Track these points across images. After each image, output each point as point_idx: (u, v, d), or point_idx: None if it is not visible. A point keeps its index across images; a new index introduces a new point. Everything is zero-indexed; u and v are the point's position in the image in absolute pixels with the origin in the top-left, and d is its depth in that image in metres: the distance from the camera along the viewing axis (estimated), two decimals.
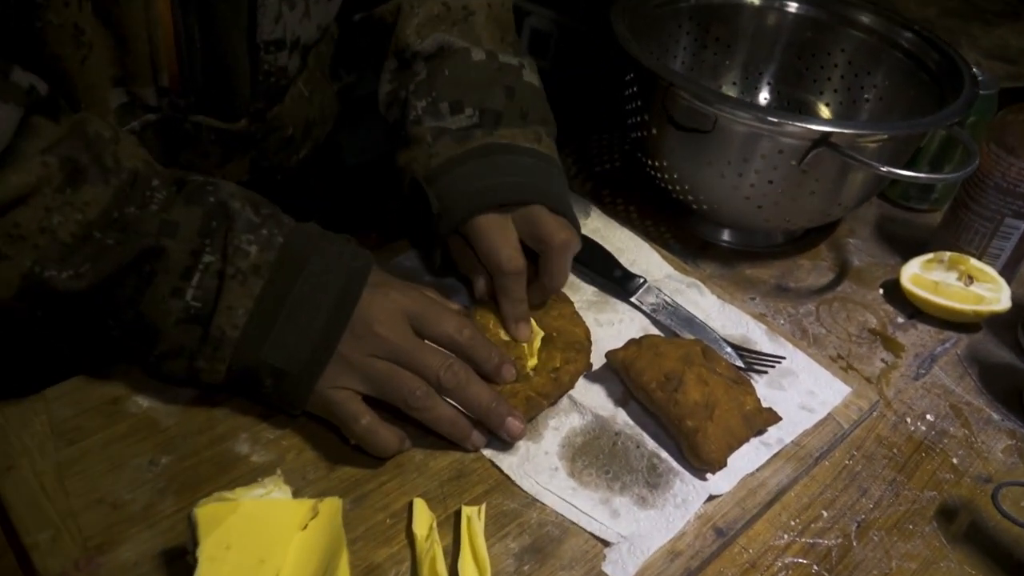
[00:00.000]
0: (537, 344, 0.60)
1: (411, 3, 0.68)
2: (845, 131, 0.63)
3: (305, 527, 0.45)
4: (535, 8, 1.80)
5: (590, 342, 0.61)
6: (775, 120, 0.64)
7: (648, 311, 0.67)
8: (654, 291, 0.68)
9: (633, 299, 0.68)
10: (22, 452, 0.53)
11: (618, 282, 0.68)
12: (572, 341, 0.60)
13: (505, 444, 0.56)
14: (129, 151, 0.53)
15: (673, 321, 0.66)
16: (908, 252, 0.78)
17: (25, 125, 0.49)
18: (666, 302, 0.67)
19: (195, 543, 0.43)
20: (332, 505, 0.46)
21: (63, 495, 0.51)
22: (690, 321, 0.66)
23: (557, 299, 0.63)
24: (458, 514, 0.51)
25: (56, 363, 0.58)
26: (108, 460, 0.53)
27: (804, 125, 0.64)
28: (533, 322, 0.61)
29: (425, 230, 0.63)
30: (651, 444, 0.57)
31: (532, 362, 0.59)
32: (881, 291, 0.77)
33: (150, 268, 0.51)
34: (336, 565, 0.43)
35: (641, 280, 0.69)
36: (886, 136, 0.67)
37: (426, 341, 0.55)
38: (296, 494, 0.50)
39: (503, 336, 0.60)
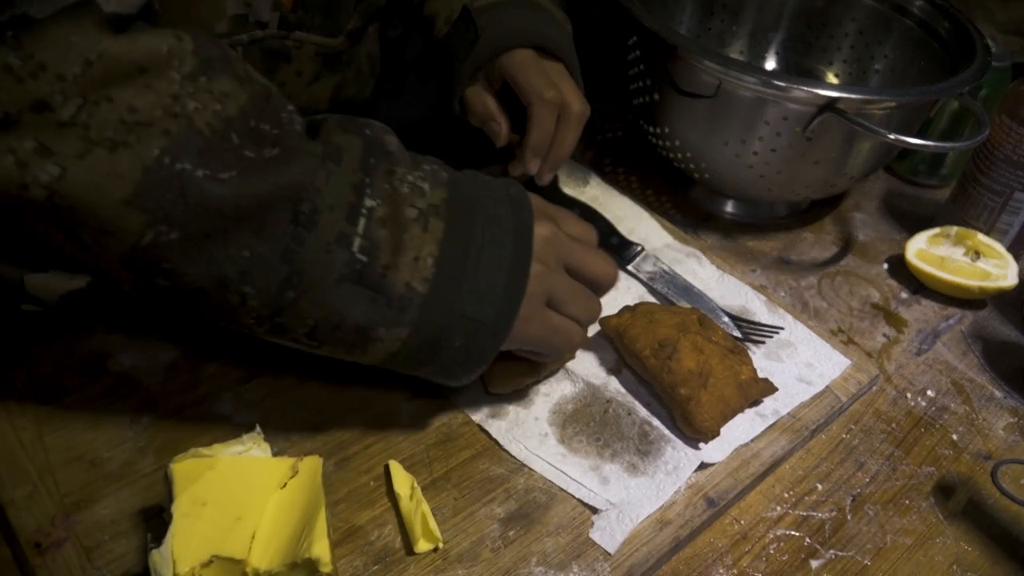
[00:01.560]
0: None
1: None
2: (852, 96, 0.62)
3: (284, 486, 0.44)
4: None
5: None
6: (780, 84, 0.63)
7: (645, 279, 0.66)
8: (651, 259, 0.67)
9: (630, 267, 0.66)
10: (1, 407, 0.52)
11: (614, 249, 0.67)
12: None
13: (494, 409, 0.55)
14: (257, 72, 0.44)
15: (670, 290, 0.65)
16: (914, 228, 0.76)
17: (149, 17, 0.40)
18: (663, 270, 0.66)
19: (170, 499, 0.42)
20: (312, 464, 0.45)
21: (42, 451, 0.50)
22: (687, 289, 0.64)
23: None
24: (441, 478, 0.50)
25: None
26: (88, 418, 0.52)
27: (810, 90, 0.62)
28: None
29: (451, 67, 0.65)
30: (643, 412, 0.55)
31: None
32: (886, 266, 0.75)
33: (311, 205, 0.42)
34: (314, 525, 0.42)
35: (638, 248, 0.67)
36: (894, 103, 0.65)
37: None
38: (279, 455, 0.49)
39: None
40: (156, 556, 0.40)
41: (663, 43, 0.67)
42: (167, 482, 0.43)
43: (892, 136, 0.61)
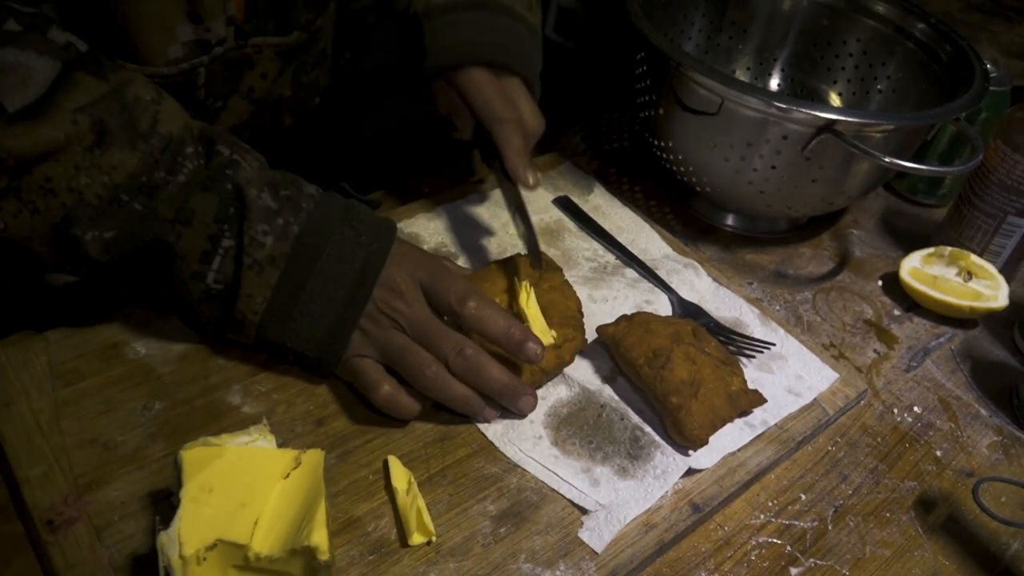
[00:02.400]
0: (537, 313, 0.60)
1: None
2: (849, 119, 0.63)
3: (287, 476, 0.46)
4: None
5: (582, 314, 0.61)
6: (780, 105, 0.64)
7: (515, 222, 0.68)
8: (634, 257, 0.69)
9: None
10: (20, 390, 0.54)
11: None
12: (567, 316, 0.60)
13: None
14: (170, 114, 0.54)
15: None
16: (911, 246, 0.78)
17: (67, 80, 0.50)
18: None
19: (179, 484, 0.44)
20: (314, 457, 0.47)
21: (57, 433, 0.52)
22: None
23: (548, 268, 0.64)
24: (437, 475, 0.53)
25: (55, 305, 0.60)
26: (103, 403, 0.54)
27: (809, 111, 0.64)
28: (531, 292, 0.61)
29: (415, 68, 0.68)
30: (635, 418, 0.57)
31: (549, 339, 0.58)
32: (880, 283, 0.77)
33: (169, 252, 0.53)
34: (314, 514, 0.44)
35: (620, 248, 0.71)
36: (892, 127, 0.67)
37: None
38: (283, 446, 0.51)
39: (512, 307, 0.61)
40: (164, 538, 0.42)
41: (668, 60, 0.69)
42: (176, 468, 0.45)
43: (887, 159, 0.63)
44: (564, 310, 0.61)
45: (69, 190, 0.50)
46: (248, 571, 0.44)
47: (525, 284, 0.60)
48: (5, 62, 0.48)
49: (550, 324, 0.60)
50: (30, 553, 0.49)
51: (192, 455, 0.45)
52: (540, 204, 0.76)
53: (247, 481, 0.45)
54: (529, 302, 0.60)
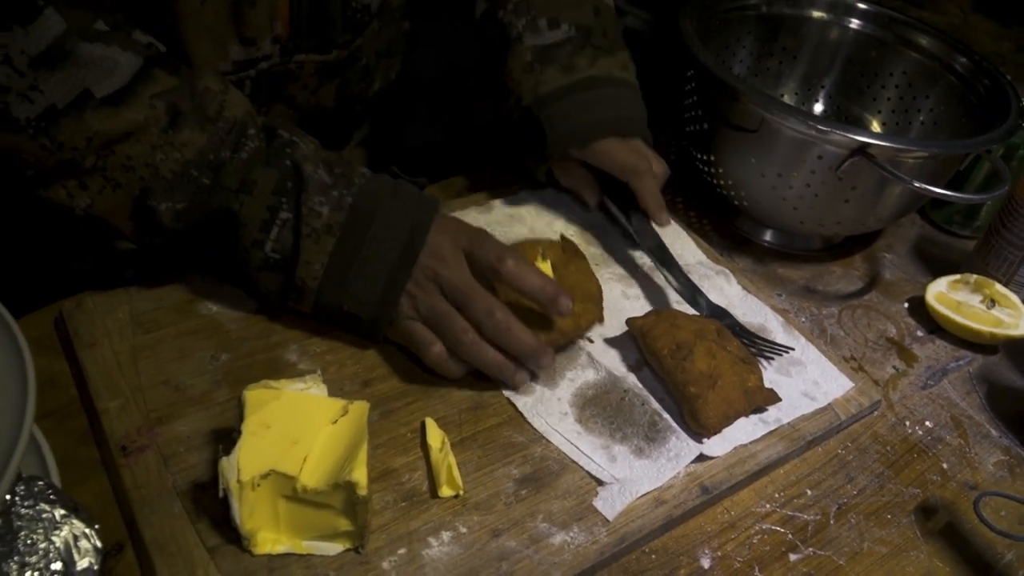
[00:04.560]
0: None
1: None
2: (882, 143, 0.67)
3: (335, 422, 0.52)
4: (632, 9, 1.84)
5: (602, 296, 0.66)
6: (817, 126, 0.68)
7: (656, 260, 0.72)
8: (669, 261, 0.73)
9: (642, 250, 0.74)
10: (104, 333, 0.61)
11: (630, 222, 0.74)
12: (588, 294, 0.65)
13: (524, 386, 0.62)
14: (235, 101, 0.60)
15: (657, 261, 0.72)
16: (941, 273, 0.80)
17: (146, 74, 0.57)
18: (659, 245, 0.73)
19: (241, 419, 0.50)
20: (360, 408, 0.53)
21: (135, 373, 0.59)
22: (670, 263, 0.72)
23: (574, 255, 0.69)
24: (468, 438, 0.58)
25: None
26: (177, 350, 0.61)
27: (843, 133, 0.68)
28: (550, 269, 0.66)
29: (527, 147, 0.74)
30: (655, 405, 0.62)
31: None
32: (906, 305, 0.80)
33: (233, 220, 0.59)
34: (355, 458, 0.49)
35: (657, 249, 0.73)
36: (925, 154, 0.70)
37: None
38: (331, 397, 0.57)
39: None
40: (225, 463, 0.48)
41: (715, 79, 0.73)
42: (239, 405, 0.51)
43: (917, 184, 0.67)
44: (586, 290, 0.66)
45: (146, 166, 0.57)
46: (295, 501, 0.49)
47: (548, 262, 0.66)
48: (94, 55, 0.55)
49: (574, 298, 0.63)
50: (103, 475, 0.55)
51: (254, 395, 0.51)
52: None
53: (300, 422, 0.51)
54: (549, 272, 0.65)
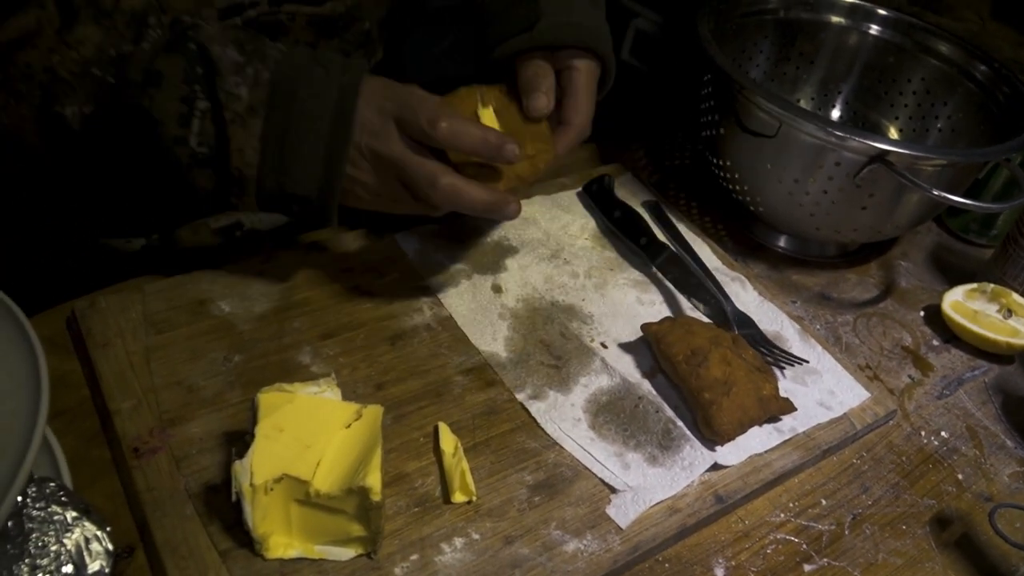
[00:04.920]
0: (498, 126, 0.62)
1: None
2: (901, 151, 0.66)
3: (348, 426, 0.52)
4: (643, 10, 1.84)
5: (551, 132, 0.65)
6: (836, 132, 0.68)
7: (669, 280, 0.72)
8: (679, 262, 0.73)
9: (655, 268, 0.73)
10: (117, 333, 0.61)
11: (643, 248, 0.74)
12: (537, 132, 0.63)
13: (537, 391, 0.61)
14: None
15: (693, 295, 0.71)
16: (957, 282, 0.80)
17: None
18: (690, 274, 0.72)
19: (254, 422, 0.50)
20: (374, 412, 0.52)
21: (147, 374, 0.59)
22: (699, 286, 0.71)
23: (516, 97, 0.65)
24: (482, 444, 0.57)
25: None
26: (190, 351, 0.61)
27: (863, 140, 0.67)
28: (492, 114, 0.63)
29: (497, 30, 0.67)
30: (669, 412, 0.61)
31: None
32: (922, 313, 0.79)
33: (147, 119, 0.55)
34: (368, 462, 0.49)
35: (667, 250, 0.73)
36: (944, 162, 0.69)
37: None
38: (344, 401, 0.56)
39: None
40: (238, 467, 0.48)
41: (733, 82, 0.73)
42: (253, 408, 0.51)
43: (936, 192, 0.66)
44: (535, 130, 0.63)
45: (45, 71, 0.54)
46: (308, 506, 0.49)
47: (489, 108, 0.63)
48: None
49: (523, 140, 0.61)
50: (114, 477, 0.55)
51: (268, 398, 0.51)
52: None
53: (313, 426, 0.50)
54: (492, 121, 0.62)
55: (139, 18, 0.56)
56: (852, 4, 0.88)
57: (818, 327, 0.75)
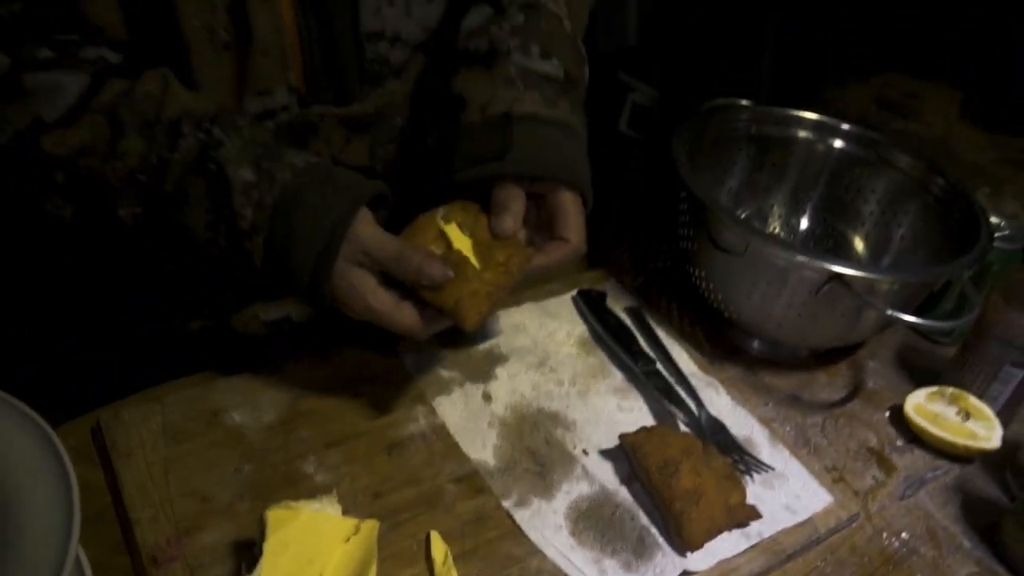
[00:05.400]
0: (468, 248, 0.67)
1: None
2: (852, 272, 0.73)
3: (347, 540, 0.57)
4: (639, 85, 1.93)
5: (522, 240, 0.69)
6: (795, 256, 0.74)
7: (652, 386, 0.78)
8: (658, 371, 0.79)
9: (637, 372, 0.79)
10: (139, 444, 0.67)
11: (627, 356, 0.80)
12: (508, 242, 0.68)
13: (522, 498, 0.67)
14: (172, 101, 0.64)
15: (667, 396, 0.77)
16: (922, 382, 0.85)
17: (96, 88, 0.62)
18: (670, 385, 0.78)
19: (262, 538, 0.55)
20: (370, 526, 0.58)
21: (165, 484, 0.64)
22: (677, 393, 0.77)
23: (480, 211, 0.70)
24: (470, 551, 0.63)
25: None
26: (204, 461, 0.66)
27: (819, 263, 0.73)
28: (458, 230, 0.68)
29: (466, 155, 0.71)
30: (644, 520, 0.66)
31: (475, 262, 0.65)
32: (887, 414, 0.85)
33: (183, 228, 0.64)
34: (366, 575, 0.54)
35: (648, 358, 0.80)
36: (896, 283, 0.76)
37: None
38: (346, 512, 0.62)
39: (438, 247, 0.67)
40: None
41: (705, 206, 0.79)
42: (261, 524, 0.56)
43: (889, 312, 0.72)
44: (504, 239, 0.68)
45: (101, 177, 0.63)
46: None
47: (452, 224, 0.68)
48: (39, 83, 0.61)
49: (494, 249, 0.66)
50: None
51: (275, 515, 0.56)
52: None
53: (316, 541, 0.56)
54: (457, 235, 0.67)
55: (175, 126, 0.63)
56: (817, 120, 0.96)
57: (788, 428, 0.81)
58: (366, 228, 0.63)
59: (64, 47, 0.63)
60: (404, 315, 0.64)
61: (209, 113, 0.64)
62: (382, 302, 0.63)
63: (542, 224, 0.71)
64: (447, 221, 0.68)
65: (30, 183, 0.64)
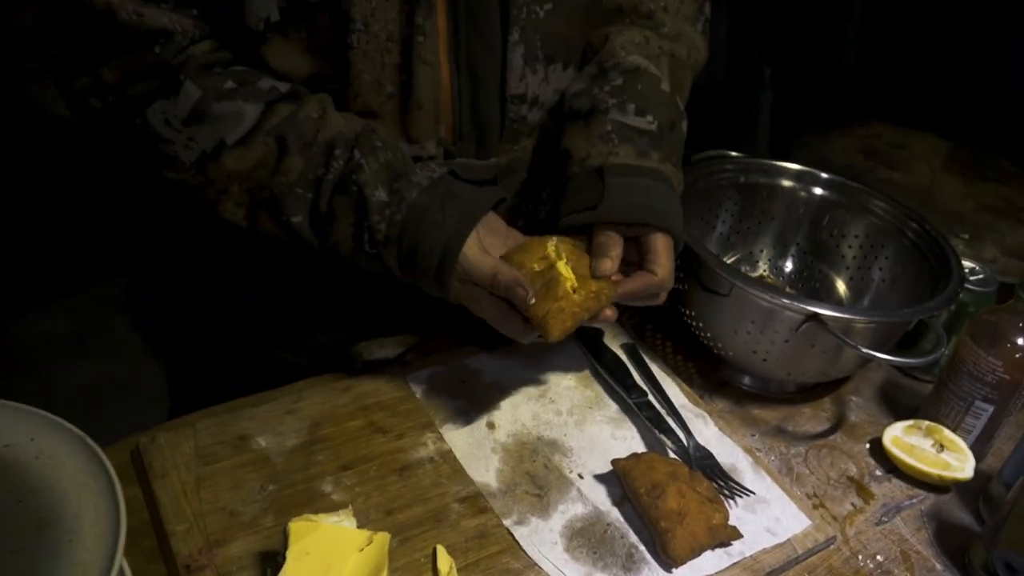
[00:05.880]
0: (570, 272, 0.74)
1: (619, 28, 0.85)
2: (828, 312, 0.79)
3: (362, 550, 0.63)
4: None
5: (613, 281, 0.75)
6: (777, 298, 0.81)
7: (644, 416, 0.83)
8: (651, 403, 0.85)
9: (631, 404, 0.85)
10: (173, 465, 0.73)
11: (622, 390, 0.86)
12: (602, 279, 0.75)
13: (521, 517, 0.73)
14: (329, 125, 0.73)
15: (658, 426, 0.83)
16: (901, 416, 0.91)
17: (268, 113, 0.72)
18: (660, 416, 0.84)
19: (286, 546, 0.62)
20: (382, 538, 0.64)
21: (198, 501, 0.71)
22: (667, 423, 0.83)
23: (581, 249, 0.77)
24: (472, 564, 0.68)
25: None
26: (232, 480, 0.73)
27: (797, 304, 0.80)
28: (564, 259, 0.75)
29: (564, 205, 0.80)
30: (633, 538, 0.72)
31: (571, 282, 0.72)
32: (867, 445, 0.90)
33: (334, 244, 0.75)
34: None
35: (641, 391, 0.86)
36: (870, 321, 0.82)
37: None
38: (361, 527, 0.68)
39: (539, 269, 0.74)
40: None
41: (692, 252, 0.86)
42: (285, 535, 0.63)
43: (864, 350, 0.78)
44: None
45: (268, 188, 0.73)
46: None
47: (563, 259, 0.74)
48: (224, 110, 0.71)
49: (589, 281, 0.74)
50: None
51: (297, 527, 0.63)
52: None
53: (333, 551, 0.62)
54: (565, 268, 0.74)
55: (330, 148, 0.73)
56: (800, 170, 1.03)
57: (772, 458, 0.86)
58: (469, 250, 0.72)
59: (244, 79, 0.73)
60: (509, 322, 0.74)
61: (356, 132, 0.74)
62: (490, 311, 0.74)
63: (636, 261, 0.79)
64: (558, 255, 0.76)
65: (207, 192, 0.74)
